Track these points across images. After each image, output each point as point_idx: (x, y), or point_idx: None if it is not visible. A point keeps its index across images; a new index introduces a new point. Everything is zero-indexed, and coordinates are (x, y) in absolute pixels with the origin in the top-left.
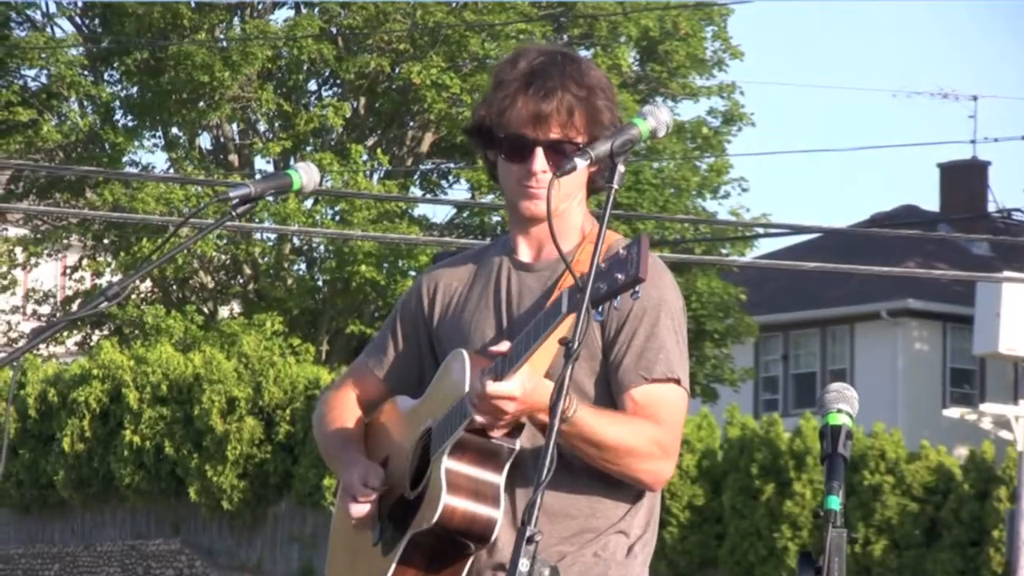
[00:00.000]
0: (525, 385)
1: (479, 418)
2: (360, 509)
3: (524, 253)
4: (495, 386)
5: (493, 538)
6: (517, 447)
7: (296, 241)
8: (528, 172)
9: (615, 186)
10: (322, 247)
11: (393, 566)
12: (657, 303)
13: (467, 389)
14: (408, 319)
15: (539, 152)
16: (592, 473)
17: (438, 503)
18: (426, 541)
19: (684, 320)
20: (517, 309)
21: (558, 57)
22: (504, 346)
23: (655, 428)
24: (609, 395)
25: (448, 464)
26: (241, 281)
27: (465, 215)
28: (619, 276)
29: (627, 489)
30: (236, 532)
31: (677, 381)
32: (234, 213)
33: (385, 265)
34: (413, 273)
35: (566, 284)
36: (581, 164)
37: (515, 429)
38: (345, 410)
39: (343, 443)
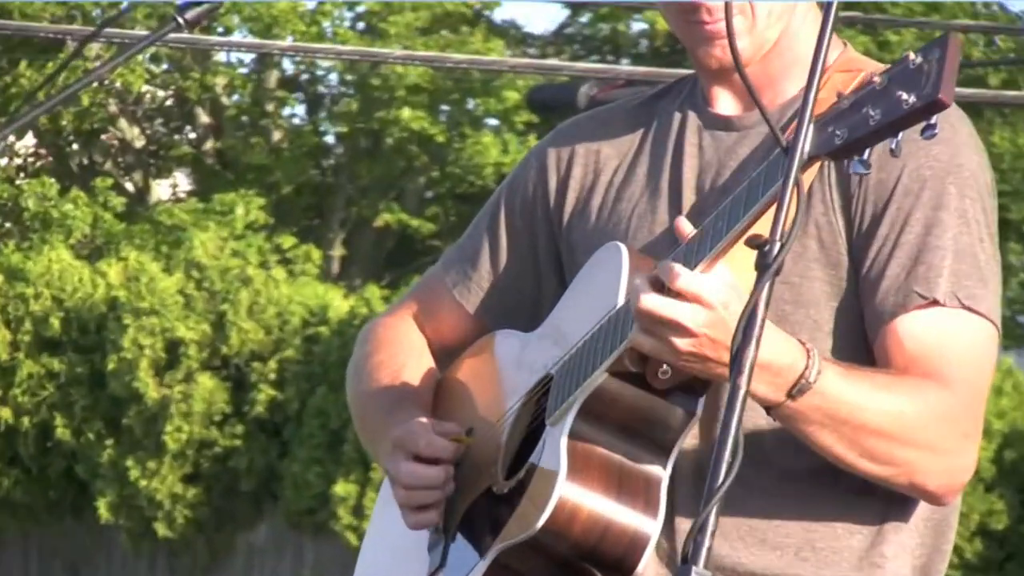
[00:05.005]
0: (725, 290)
1: (643, 341)
2: (418, 473)
3: (725, 104)
4: (680, 279)
5: (640, 568)
6: (699, 412)
7: (288, 66)
8: (692, 5)
9: None
10: (334, 76)
11: None
12: (944, 171)
13: (620, 299)
14: (520, 214)
15: None
16: (807, 475)
17: (549, 494)
18: (522, 564)
19: (993, 204)
20: (714, 190)
21: None
22: (688, 228)
23: (946, 396)
24: (860, 332)
25: (576, 429)
26: (192, 137)
27: (583, 19)
28: (903, 96)
29: (878, 502)
30: None
31: (980, 312)
32: (181, 20)
33: (444, 108)
34: (494, 122)
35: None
36: None
37: (698, 383)
38: (401, 351)
39: (394, 403)
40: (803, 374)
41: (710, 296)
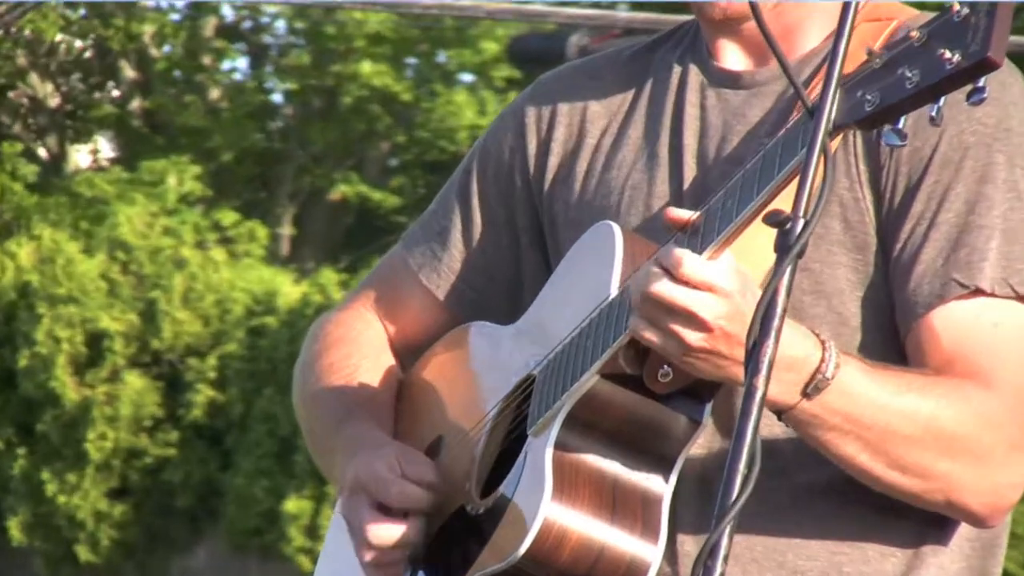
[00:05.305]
0: (738, 278)
1: (645, 333)
2: (388, 532)
3: (732, 58)
4: (687, 266)
5: None
6: (705, 420)
7: (228, 12)
8: None
9: None
10: (281, 23)
11: None
12: (990, 137)
13: (613, 289)
14: (495, 182)
15: None
16: (832, 489)
17: (532, 516)
18: None
19: None
20: (719, 159)
21: None
22: (683, 216)
23: (990, 399)
24: (890, 326)
25: (563, 440)
26: (115, 95)
27: None
28: (946, 55)
29: (914, 520)
30: None
31: None
32: None
33: (410, 61)
34: (469, 78)
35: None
36: None
37: (703, 387)
38: (356, 350)
39: (348, 409)
40: (819, 368)
41: (725, 284)
